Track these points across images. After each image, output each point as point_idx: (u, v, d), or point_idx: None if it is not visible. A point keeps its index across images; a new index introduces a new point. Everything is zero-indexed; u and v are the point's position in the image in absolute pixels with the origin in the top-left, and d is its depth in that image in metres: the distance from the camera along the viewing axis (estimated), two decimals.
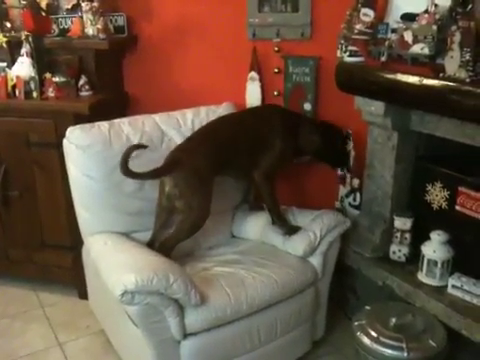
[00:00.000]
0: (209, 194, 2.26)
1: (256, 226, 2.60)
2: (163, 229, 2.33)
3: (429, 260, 2.28)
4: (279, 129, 2.48)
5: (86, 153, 2.32)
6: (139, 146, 2.29)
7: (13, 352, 2.54)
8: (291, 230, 2.42)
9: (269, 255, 2.39)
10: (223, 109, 2.70)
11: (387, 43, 2.26)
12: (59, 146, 2.47)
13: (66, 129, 2.38)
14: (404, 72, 2.14)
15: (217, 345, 2.10)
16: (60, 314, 2.83)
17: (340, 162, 2.76)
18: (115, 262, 2.09)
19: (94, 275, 2.31)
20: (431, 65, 2.12)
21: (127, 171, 2.18)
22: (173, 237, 2.25)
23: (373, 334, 2.02)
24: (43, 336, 2.66)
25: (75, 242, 2.70)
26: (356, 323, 2.12)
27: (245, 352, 2.18)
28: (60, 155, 2.50)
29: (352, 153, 2.71)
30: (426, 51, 2.11)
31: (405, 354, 1.94)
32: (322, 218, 2.39)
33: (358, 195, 2.74)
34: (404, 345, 1.95)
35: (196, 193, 2.22)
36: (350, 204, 2.78)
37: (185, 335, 2.02)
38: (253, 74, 2.83)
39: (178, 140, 2.49)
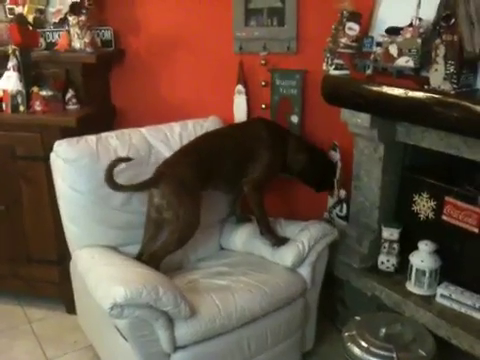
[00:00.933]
0: (197, 205, 2.27)
1: (244, 238, 2.60)
2: (152, 241, 2.33)
3: (417, 270, 2.30)
4: (266, 140, 2.50)
5: (73, 167, 2.32)
6: (124, 159, 2.30)
7: None
8: (279, 241, 2.42)
9: (258, 266, 2.39)
10: (210, 122, 2.72)
11: (372, 56, 2.29)
12: (46, 160, 2.46)
13: (53, 143, 2.37)
14: (389, 85, 2.17)
15: (207, 358, 2.09)
16: (47, 329, 2.79)
17: (323, 186, 2.78)
18: (103, 275, 2.07)
19: (82, 289, 2.29)
20: (416, 78, 2.16)
21: (112, 183, 2.20)
22: (162, 248, 2.24)
23: (363, 344, 2.02)
24: (30, 352, 2.63)
25: (62, 256, 2.68)
26: (346, 334, 2.12)
27: None
28: (47, 169, 2.49)
29: (339, 164, 2.73)
30: (411, 64, 2.15)
31: None
32: (309, 229, 2.40)
33: (345, 206, 2.76)
34: (394, 355, 1.95)
35: (183, 204, 2.22)
36: (337, 215, 2.80)
37: (175, 348, 2.01)
38: (240, 87, 2.85)
39: (166, 153, 2.50)
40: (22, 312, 2.94)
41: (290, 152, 2.58)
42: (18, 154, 2.71)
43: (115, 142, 2.43)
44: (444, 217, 2.30)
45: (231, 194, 2.67)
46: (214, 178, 2.40)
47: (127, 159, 2.31)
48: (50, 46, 2.90)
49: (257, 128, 2.55)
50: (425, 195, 2.41)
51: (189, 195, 2.25)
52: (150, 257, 2.23)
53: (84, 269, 2.23)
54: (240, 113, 2.87)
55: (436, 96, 2.00)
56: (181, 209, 2.21)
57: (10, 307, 2.97)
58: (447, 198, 2.28)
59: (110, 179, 2.19)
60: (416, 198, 2.46)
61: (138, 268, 2.12)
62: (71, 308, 2.75)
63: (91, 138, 2.41)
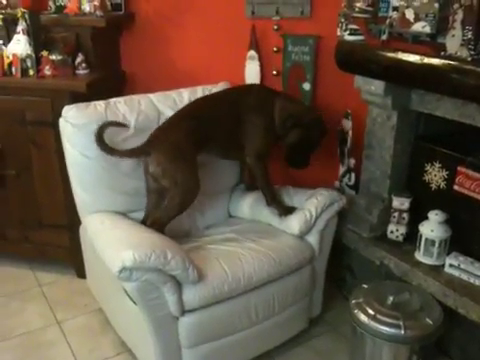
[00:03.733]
0: (194, 168, 2.25)
1: (253, 206, 2.59)
2: (155, 209, 2.32)
3: (427, 239, 2.29)
4: (253, 106, 2.41)
5: (82, 132, 2.30)
6: (115, 123, 2.27)
7: (11, 330, 2.54)
8: (286, 211, 2.41)
9: (266, 234, 2.39)
10: (220, 89, 2.67)
11: (388, 21, 2.23)
12: (55, 125, 2.44)
13: (63, 108, 2.35)
14: (405, 51, 2.13)
15: (215, 322, 2.11)
16: (58, 293, 2.83)
17: (296, 161, 2.54)
18: (113, 240, 2.08)
19: (92, 254, 2.31)
20: (432, 44, 2.11)
21: (103, 146, 2.21)
22: (164, 214, 2.24)
23: (370, 312, 2.03)
24: (41, 315, 2.67)
25: (72, 221, 2.69)
26: (353, 301, 2.13)
27: (242, 329, 2.19)
28: (56, 134, 2.47)
29: (350, 133, 2.70)
30: (427, 29, 2.09)
31: (402, 332, 1.96)
32: (317, 197, 2.38)
33: (353, 175, 2.74)
34: (401, 323, 1.97)
35: (179, 168, 2.21)
36: (346, 184, 2.79)
37: (183, 312, 2.03)
38: (252, 53, 2.80)
39: None
40: (33, 276, 2.98)
41: (276, 115, 2.43)
42: (28, 119, 2.70)
43: (124, 108, 2.42)
44: (456, 187, 2.27)
45: (232, 161, 2.64)
46: (209, 142, 2.36)
47: (120, 124, 2.27)
48: (59, 9, 2.85)
49: (246, 93, 2.47)
50: (437, 165, 2.38)
51: (184, 159, 2.23)
52: (153, 223, 2.23)
53: (94, 234, 2.24)
54: (252, 79, 2.82)
55: (452, 63, 1.95)
56: (178, 174, 2.20)
57: (21, 271, 3.01)
58: (459, 168, 2.25)
59: (100, 140, 2.19)
60: (428, 168, 2.43)
61: (147, 233, 2.13)
62: (81, 272, 2.78)
63: (100, 104, 2.39)
